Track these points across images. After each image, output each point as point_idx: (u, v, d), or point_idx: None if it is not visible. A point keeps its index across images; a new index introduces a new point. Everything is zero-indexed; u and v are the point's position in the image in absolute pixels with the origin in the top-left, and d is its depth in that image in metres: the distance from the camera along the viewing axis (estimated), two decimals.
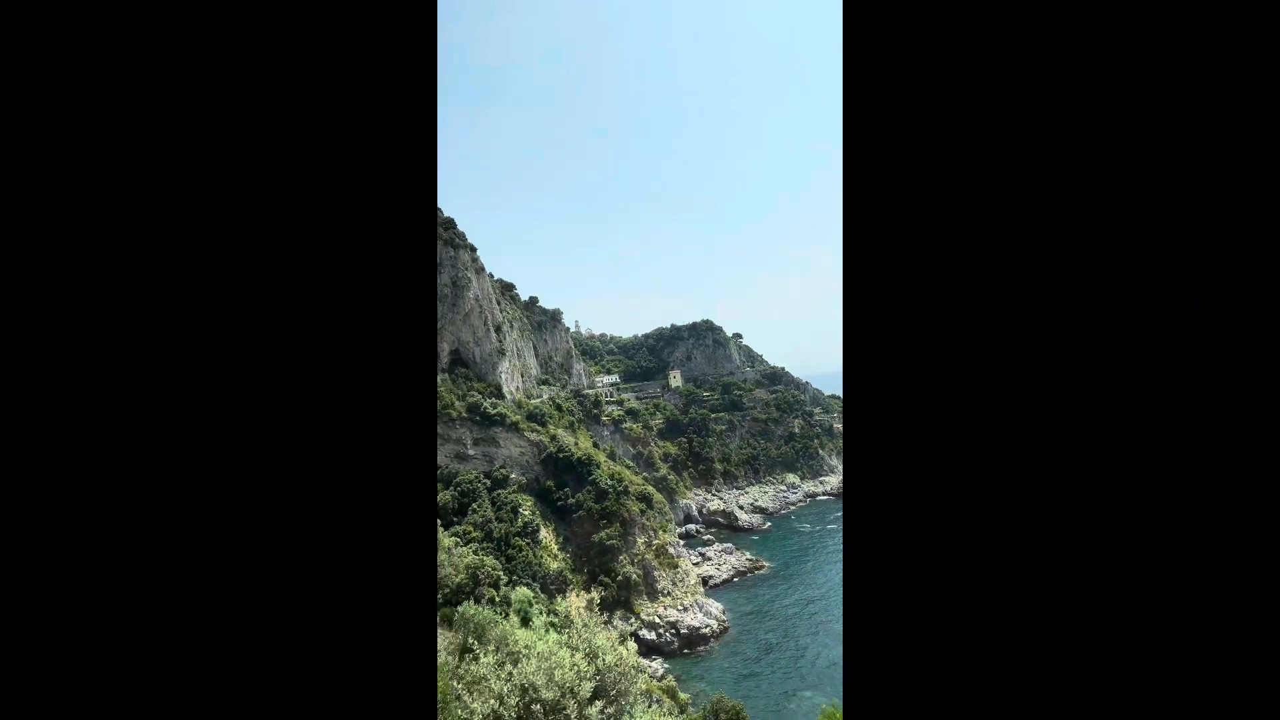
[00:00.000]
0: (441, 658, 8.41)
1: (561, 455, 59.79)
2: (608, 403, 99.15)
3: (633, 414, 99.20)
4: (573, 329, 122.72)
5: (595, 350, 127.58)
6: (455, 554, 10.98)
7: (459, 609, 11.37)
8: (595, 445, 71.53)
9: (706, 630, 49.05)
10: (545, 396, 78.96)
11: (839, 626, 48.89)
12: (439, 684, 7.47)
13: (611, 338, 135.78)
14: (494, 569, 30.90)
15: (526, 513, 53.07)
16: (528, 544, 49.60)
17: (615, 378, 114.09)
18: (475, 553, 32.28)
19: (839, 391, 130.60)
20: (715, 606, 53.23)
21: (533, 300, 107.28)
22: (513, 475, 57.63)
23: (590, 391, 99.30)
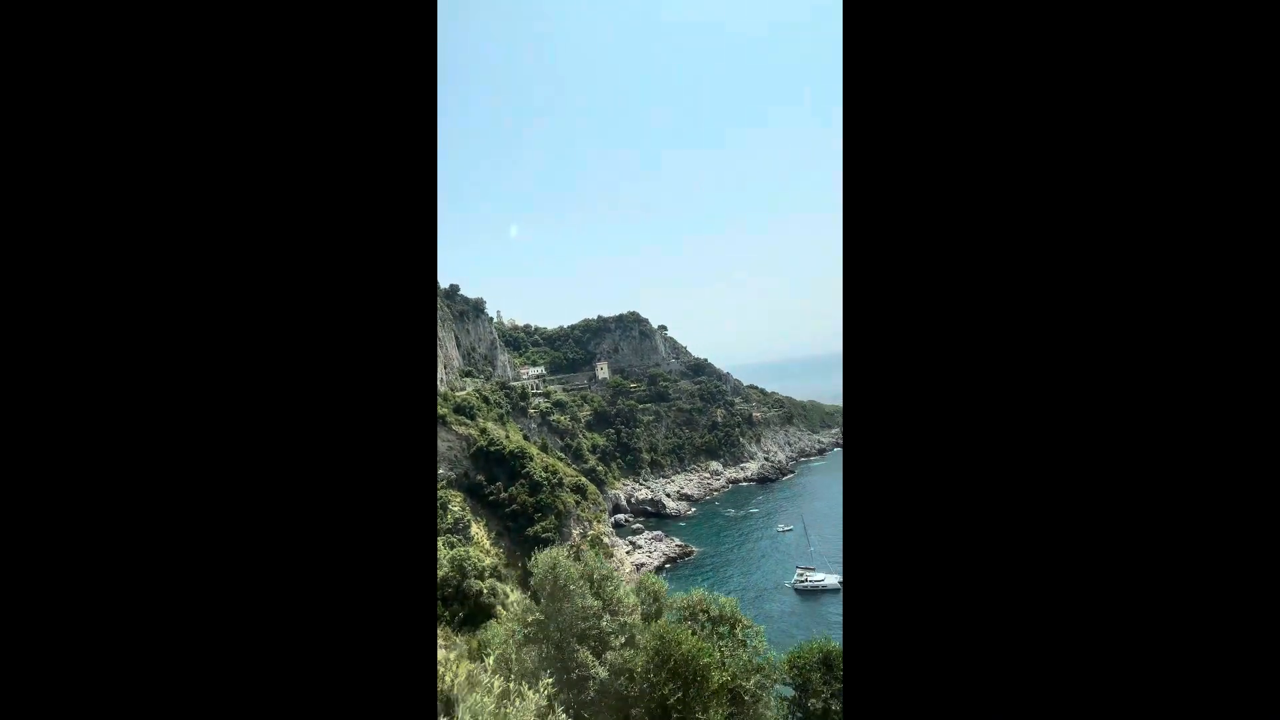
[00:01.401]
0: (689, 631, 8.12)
1: (492, 449, 58.08)
2: (534, 395, 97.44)
3: (560, 406, 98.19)
4: (496, 319, 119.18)
5: (520, 341, 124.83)
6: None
7: (643, 578, 10.71)
8: (526, 438, 70.11)
9: None
10: (470, 389, 76.21)
11: (769, 606, 51.40)
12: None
13: (537, 329, 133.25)
14: (479, 560, 29.63)
15: (456, 509, 51.14)
16: (459, 540, 47.87)
17: (541, 369, 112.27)
18: (450, 545, 30.82)
19: (757, 382, 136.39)
20: None
21: (454, 289, 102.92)
22: (440, 470, 55.23)
23: (516, 384, 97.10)
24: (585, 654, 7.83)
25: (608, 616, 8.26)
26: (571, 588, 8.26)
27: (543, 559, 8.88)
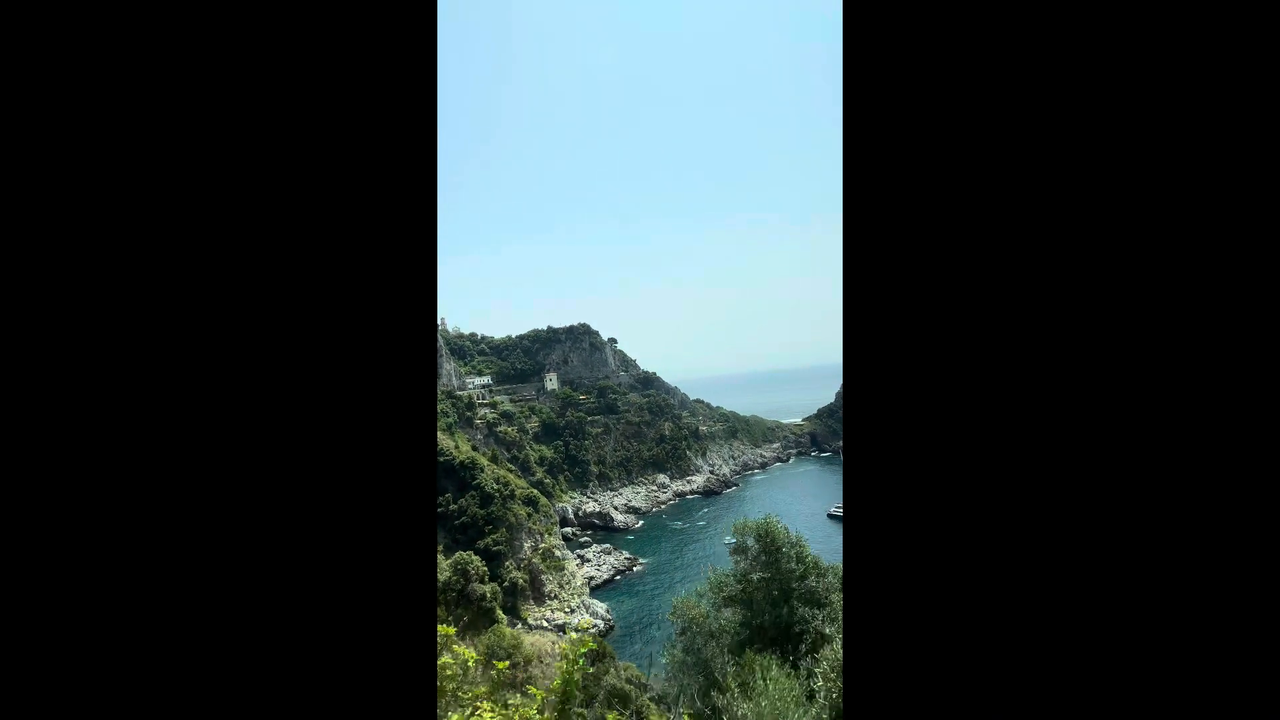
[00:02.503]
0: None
1: (441, 459, 56.78)
2: (481, 405, 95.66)
3: (507, 417, 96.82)
4: (441, 326, 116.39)
5: (466, 350, 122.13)
6: None
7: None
8: (474, 449, 68.82)
9: (594, 631, 49.81)
10: None
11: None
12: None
13: (484, 337, 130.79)
14: (481, 565, 28.59)
15: None
16: None
17: (488, 379, 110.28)
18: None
19: (704, 396, 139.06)
20: (600, 606, 54.19)
21: None
22: None
23: (462, 393, 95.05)
24: (804, 610, 8.39)
25: (814, 576, 8.88)
26: (783, 549, 8.87)
27: (750, 524, 9.54)
